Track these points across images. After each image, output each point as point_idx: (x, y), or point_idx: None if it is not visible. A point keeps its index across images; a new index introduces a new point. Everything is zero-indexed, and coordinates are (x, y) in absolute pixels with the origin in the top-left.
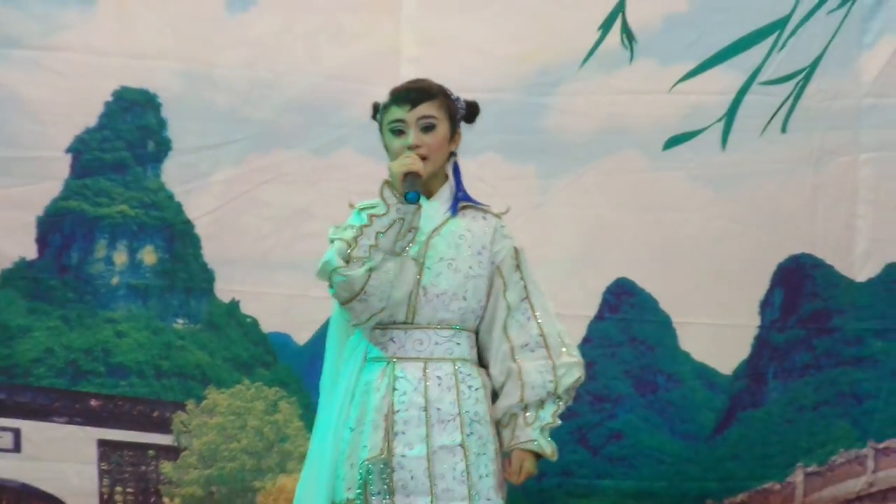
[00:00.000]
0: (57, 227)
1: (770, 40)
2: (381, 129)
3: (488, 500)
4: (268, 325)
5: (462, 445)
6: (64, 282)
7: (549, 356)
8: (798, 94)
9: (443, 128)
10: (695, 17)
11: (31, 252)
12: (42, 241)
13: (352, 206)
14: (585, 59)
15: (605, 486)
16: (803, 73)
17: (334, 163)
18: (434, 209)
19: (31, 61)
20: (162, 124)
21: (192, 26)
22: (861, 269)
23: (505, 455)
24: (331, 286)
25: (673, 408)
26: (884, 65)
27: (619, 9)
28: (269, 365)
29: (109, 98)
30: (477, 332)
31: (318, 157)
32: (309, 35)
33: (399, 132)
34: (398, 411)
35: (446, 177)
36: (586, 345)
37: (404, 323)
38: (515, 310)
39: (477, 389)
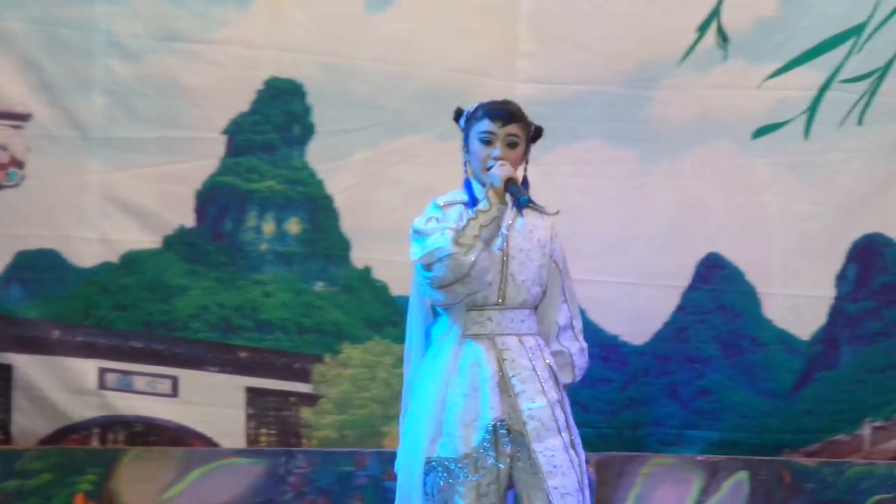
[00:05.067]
0: (213, 199)
1: (849, 43)
2: (465, 132)
3: (576, 438)
4: (396, 290)
5: (559, 401)
6: (218, 247)
7: (576, 338)
8: (874, 91)
9: (522, 146)
10: (782, 21)
11: (189, 221)
12: (200, 211)
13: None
14: (684, 57)
15: (693, 435)
16: (878, 73)
17: (457, 146)
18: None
19: (193, 53)
20: (307, 110)
21: (335, 24)
22: None
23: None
24: (430, 270)
25: (756, 368)
26: None
27: (715, 12)
28: (396, 324)
29: (261, 87)
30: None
31: (442, 141)
32: (435, 33)
33: (487, 142)
34: (513, 376)
35: None
36: (680, 312)
37: (496, 304)
38: (559, 297)
39: (549, 358)
